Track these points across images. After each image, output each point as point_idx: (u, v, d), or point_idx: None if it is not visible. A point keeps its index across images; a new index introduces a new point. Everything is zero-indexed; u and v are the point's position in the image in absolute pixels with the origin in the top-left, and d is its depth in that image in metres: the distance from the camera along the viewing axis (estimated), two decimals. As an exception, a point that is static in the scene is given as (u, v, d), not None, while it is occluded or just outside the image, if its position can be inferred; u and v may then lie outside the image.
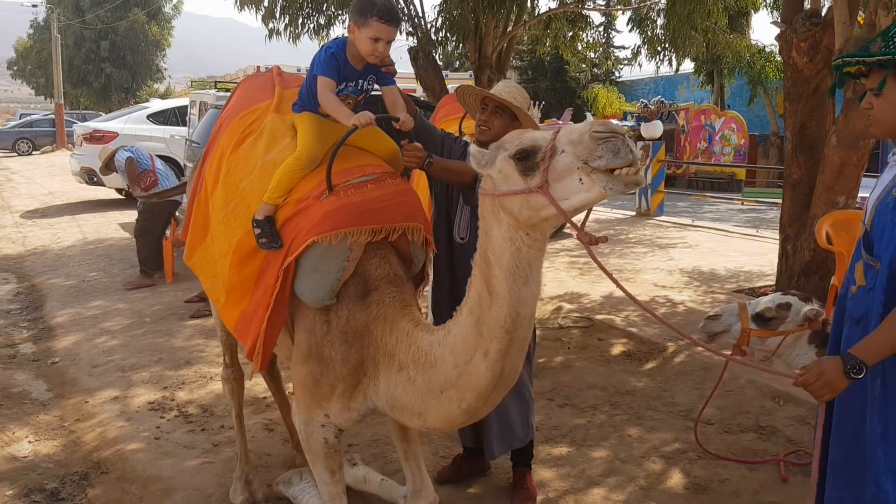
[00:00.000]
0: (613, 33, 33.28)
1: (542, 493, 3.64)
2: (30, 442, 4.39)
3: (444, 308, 3.39)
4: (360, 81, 2.98)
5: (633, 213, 13.08)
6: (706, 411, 4.32)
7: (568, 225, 2.17)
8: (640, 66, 16.34)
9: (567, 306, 6.77)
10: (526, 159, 2.14)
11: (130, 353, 5.78)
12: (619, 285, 2.31)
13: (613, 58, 32.51)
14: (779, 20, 7.23)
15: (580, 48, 12.85)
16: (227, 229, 3.08)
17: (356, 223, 2.74)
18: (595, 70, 33.08)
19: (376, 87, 3.10)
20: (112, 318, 6.77)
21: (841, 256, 5.31)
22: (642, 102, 24.88)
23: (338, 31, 11.43)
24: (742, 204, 14.88)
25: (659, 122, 14.01)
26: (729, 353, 3.46)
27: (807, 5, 6.91)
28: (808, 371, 2.27)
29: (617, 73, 33.48)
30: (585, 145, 2.03)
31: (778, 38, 6.93)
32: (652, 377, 5.16)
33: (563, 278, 7.90)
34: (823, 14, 6.68)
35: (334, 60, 2.90)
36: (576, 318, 6.43)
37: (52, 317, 6.97)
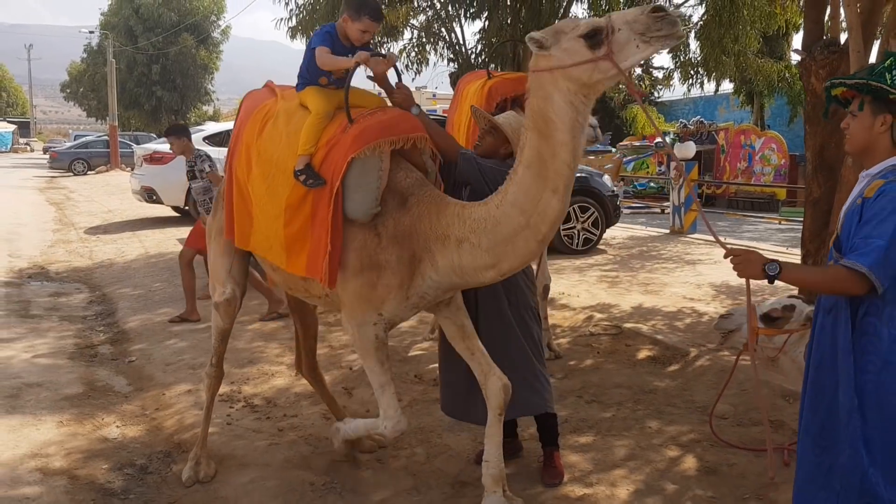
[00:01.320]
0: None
1: (569, 472, 4.11)
2: (117, 427, 4.98)
3: None
4: (349, 56, 3.59)
5: (668, 231, 13.46)
6: (722, 407, 4.79)
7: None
8: (673, 88, 16.78)
9: (598, 315, 7.24)
10: (594, 37, 2.80)
11: (199, 354, 6.37)
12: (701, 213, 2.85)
13: (652, 79, 32.84)
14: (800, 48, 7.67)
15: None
16: (273, 196, 3.60)
17: (379, 137, 3.41)
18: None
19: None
20: (179, 323, 7.40)
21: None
22: (682, 122, 25.17)
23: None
24: (780, 223, 15.14)
25: (692, 142, 14.39)
26: (740, 350, 3.92)
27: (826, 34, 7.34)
28: (740, 251, 2.80)
29: (656, 94, 33.69)
30: (643, 23, 2.73)
31: (799, 65, 7.37)
32: (674, 378, 5.62)
33: (595, 290, 8.37)
34: (842, 43, 7.10)
35: (329, 37, 3.60)
36: (605, 326, 6.90)
37: (124, 322, 7.65)
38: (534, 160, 3.03)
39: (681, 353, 6.05)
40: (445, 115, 7.59)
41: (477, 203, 3.31)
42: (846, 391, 2.74)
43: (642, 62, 3.25)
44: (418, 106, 3.76)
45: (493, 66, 12.00)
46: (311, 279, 3.56)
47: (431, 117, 4.06)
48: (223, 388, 5.52)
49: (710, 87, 14.41)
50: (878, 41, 6.75)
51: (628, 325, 6.90)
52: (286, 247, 3.58)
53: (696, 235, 12.94)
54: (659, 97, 33.46)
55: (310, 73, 3.68)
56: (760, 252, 2.86)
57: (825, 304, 2.95)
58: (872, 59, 6.84)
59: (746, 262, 2.75)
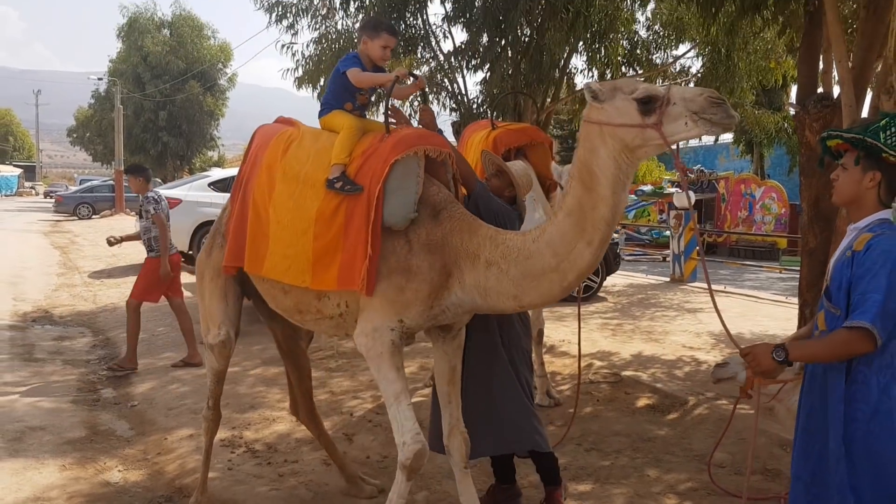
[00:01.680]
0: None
1: (568, 519, 4.15)
2: (119, 471, 5.02)
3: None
4: (400, 81, 3.79)
5: (668, 280, 13.54)
6: (720, 456, 4.82)
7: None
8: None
9: (598, 363, 7.29)
10: (647, 103, 2.89)
11: (201, 398, 6.35)
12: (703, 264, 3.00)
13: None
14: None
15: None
16: (300, 211, 3.62)
17: (419, 144, 3.54)
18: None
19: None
20: (183, 367, 7.45)
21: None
22: (682, 171, 25.37)
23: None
24: (781, 272, 15.23)
25: (691, 192, 14.56)
26: (736, 398, 3.97)
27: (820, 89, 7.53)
28: (748, 349, 2.87)
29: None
30: (699, 103, 2.84)
31: (793, 118, 7.53)
32: (672, 426, 5.65)
33: (596, 338, 8.42)
34: (835, 97, 7.28)
35: (357, 61, 3.78)
36: (605, 373, 6.95)
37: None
38: (574, 209, 3.10)
39: (679, 402, 6.09)
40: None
41: (513, 232, 3.45)
42: (836, 438, 2.80)
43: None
44: (441, 130, 3.95)
45: (495, 115, 12.25)
46: (326, 298, 3.59)
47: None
48: (224, 434, 5.58)
49: (708, 137, 14.59)
50: (870, 95, 6.92)
51: (628, 373, 6.95)
52: (314, 261, 3.56)
53: (696, 284, 13.02)
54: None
55: (336, 100, 3.84)
56: (768, 344, 2.91)
57: (815, 354, 3.04)
58: (865, 113, 7.01)
59: (756, 357, 2.82)
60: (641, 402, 6.21)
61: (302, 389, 4.66)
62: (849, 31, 8.02)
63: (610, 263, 11.01)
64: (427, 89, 12.51)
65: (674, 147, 3.06)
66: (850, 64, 6.90)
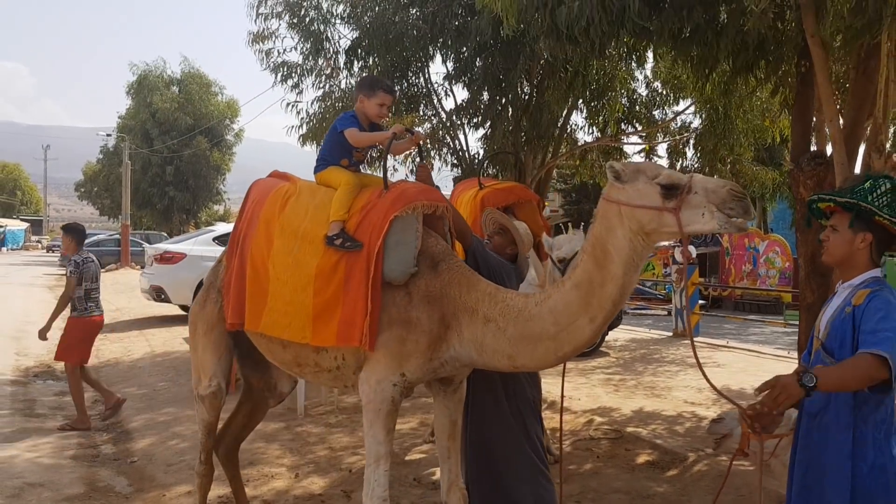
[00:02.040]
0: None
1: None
2: (117, 528, 5.02)
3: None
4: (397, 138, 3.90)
5: (671, 334, 13.54)
6: (720, 514, 4.79)
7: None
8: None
9: (598, 419, 7.28)
10: (669, 189, 2.89)
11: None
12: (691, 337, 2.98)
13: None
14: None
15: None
16: (300, 267, 3.66)
17: (418, 199, 3.61)
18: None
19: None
20: (182, 423, 7.45)
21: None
22: (689, 226, 25.49)
23: (388, 162, 12.46)
24: (785, 326, 15.22)
25: (692, 247, 14.65)
26: (733, 454, 3.98)
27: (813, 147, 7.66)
28: (768, 384, 2.74)
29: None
30: (720, 196, 2.81)
31: (788, 175, 7.66)
32: (672, 483, 5.63)
33: (598, 393, 8.42)
34: (828, 155, 7.40)
35: (354, 120, 3.88)
36: (606, 430, 6.93)
37: (128, 422, 7.71)
38: (584, 282, 3.10)
39: (679, 458, 6.08)
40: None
41: (515, 292, 3.47)
42: (842, 495, 2.81)
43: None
44: (438, 186, 4.03)
45: (494, 170, 12.41)
46: (324, 351, 3.61)
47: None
48: (223, 490, 5.56)
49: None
50: (862, 153, 7.04)
51: (629, 429, 6.94)
52: (314, 317, 3.58)
53: (698, 339, 13.01)
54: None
55: (332, 156, 3.92)
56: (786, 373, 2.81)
57: (810, 410, 3.08)
58: (857, 170, 7.13)
59: (785, 388, 2.68)
60: (641, 459, 6.19)
61: (238, 435, 4.82)
62: (841, 90, 8.18)
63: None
64: (428, 144, 12.71)
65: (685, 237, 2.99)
66: (841, 123, 7.05)
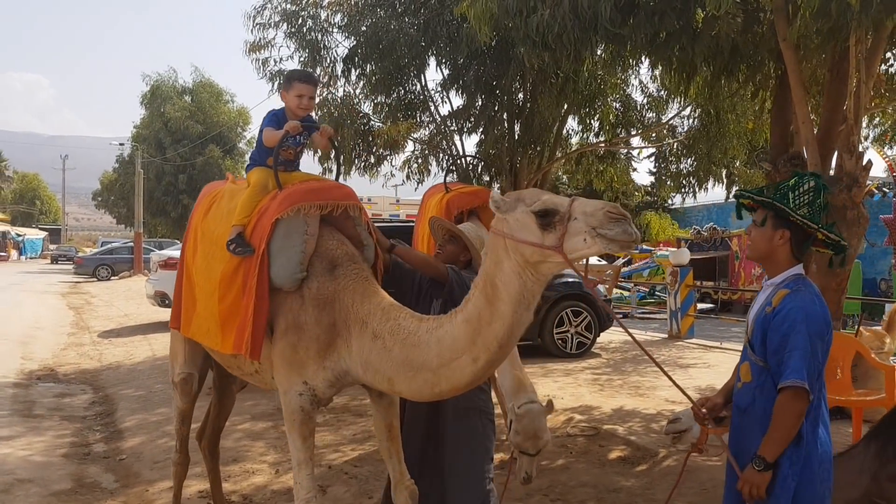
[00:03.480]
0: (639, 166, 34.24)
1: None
2: (98, 521, 5.22)
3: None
4: (297, 136, 3.81)
5: (665, 336, 13.63)
6: (681, 506, 4.94)
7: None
8: (661, 198, 17.18)
9: (578, 417, 7.41)
10: (545, 216, 2.73)
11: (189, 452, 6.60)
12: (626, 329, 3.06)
13: (666, 186, 33.39)
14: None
15: (612, 181, 13.82)
16: (210, 272, 3.63)
17: (306, 200, 3.46)
18: (648, 197, 33.84)
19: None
20: (173, 423, 7.63)
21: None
22: (695, 229, 25.55)
23: (386, 169, 12.70)
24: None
25: (686, 250, 14.75)
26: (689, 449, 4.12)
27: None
28: (743, 482, 2.91)
29: (670, 201, 34.15)
30: (598, 218, 2.66)
31: (766, 176, 7.78)
32: (640, 478, 5.76)
33: (582, 392, 8.55)
34: (805, 157, 7.51)
35: (275, 118, 3.80)
36: (583, 427, 7.06)
37: (121, 421, 7.92)
38: (472, 318, 2.91)
39: (650, 454, 6.20)
40: (410, 219, 7.96)
41: (412, 312, 3.24)
42: (772, 485, 2.90)
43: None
44: (395, 242, 3.84)
45: (491, 175, 12.58)
46: (240, 356, 3.54)
47: (394, 222, 4.40)
48: (204, 485, 5.74)
49: (718, 195, 14.90)
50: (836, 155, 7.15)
51: (606, 427, 7.07)
52: (221, 324, 3.55)
53: (693, 340, 13.10)
54: (672, 204, 34.03)
55: (259, 156, 3.84)
56: None
57: (740, 404, 3.21)
58: (833, 171, 7.24)
59: (750, 485, 2.87)
60: (614, 455, 6.32)
61: (216, 423, 4.97)
62: (820, 93, 8.28)
63: (603, 320, 11.15)
64: (427, 150, 12.90)
65: (580, 263, 2.86)
66: (814, 125, 7.16)
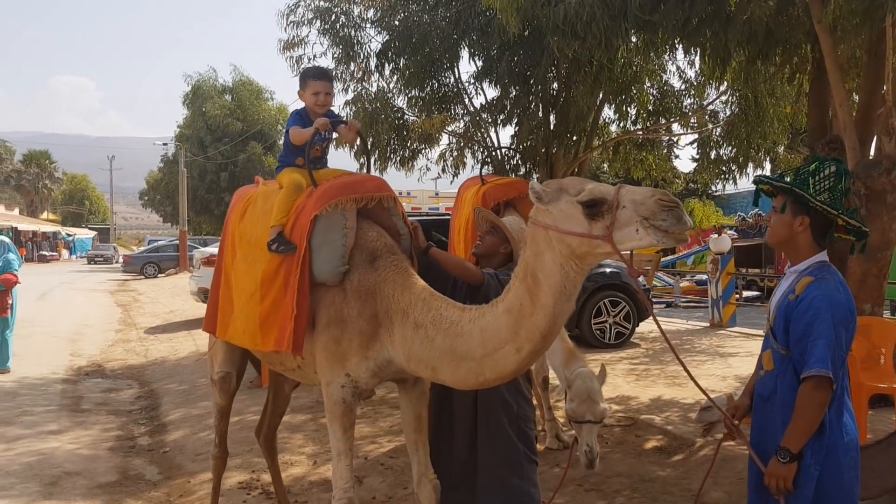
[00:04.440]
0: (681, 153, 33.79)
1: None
2: (142, 512, 5.37)
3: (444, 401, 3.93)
4: (323, 133, 3.85)
5: (707, 325, 13.47)
6: (717, 495, 4.93)
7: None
8: (703, 184, 16.87)
9: (615, 407, 7.37)
10: (593, 206, 2.68)
11: (228, 445, 6.73)
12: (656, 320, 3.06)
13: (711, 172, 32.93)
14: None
15: (651, 169, 13.66)
16: (251, 275, 3.67)
17: (342, 194, 3.51)
18: (691, 185, 33.39)
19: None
20: (213, 418, 7.80)
21: (853, 360, 5.81)
22: (740, 216, 25.16)
23: (421, 162, 12.76)
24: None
25: (727, 237, 14.50)
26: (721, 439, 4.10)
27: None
28: (769, 477, 2.87)
29: (713, 188, 33.68)
30: (649, 207, 2.59)
31: (804, 160, 7.65)
32: (675, 467, 5.73)
33: (619, 383, 8.50)
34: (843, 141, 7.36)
35: (298, 117, 3.86)
36: (620, 417, 7.04)
37: (165, 415, 8.12)
38: (513, 309, 2.91)
39: (687, 444, 6.16)
40: (448, 212, 8.03)
41: (453, 302, 3.25)
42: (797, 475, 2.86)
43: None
44: (432, 244, 3.83)
45: (528, 167, 12.54)
46: (284, 353, 3.57)
47: (432, 215, 4.41)
48: (243, 476, 5.88)
49: (746, 183, 14.65)
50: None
51: (643, 417, 7.03)
52: (261, 324, 3.60)
53: (735, 328, 12.93)
54: (716, 191, 33.54)
55: (287, 157, 3.90)
56: None
57: (762, 393, 3.17)
58: (872, 153, 7.09)
59: (776, 477, 2.84)
60: (650, 444, 6.29)
61: (272, 420, 5.03)
62: (859, 75, 8.10)
63: (641, 310, 11.06)
64: (463, 142, 12.90)
65: (626, 253, 2.77)
66: (853, 107, 7.02)
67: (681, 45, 8.21)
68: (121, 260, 43.36)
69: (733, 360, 9.96)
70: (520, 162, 12.44)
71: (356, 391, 3.43)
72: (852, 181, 3.55)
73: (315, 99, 3.84)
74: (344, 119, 3.97)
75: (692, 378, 3.22)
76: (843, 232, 3.04)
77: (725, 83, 10.38)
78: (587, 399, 4.27)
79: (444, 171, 12.86)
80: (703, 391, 3.25)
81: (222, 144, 41.28)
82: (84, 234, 67.97)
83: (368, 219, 3.63)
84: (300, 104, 3.97)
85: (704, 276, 21.12)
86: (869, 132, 7.08)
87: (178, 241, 36.61)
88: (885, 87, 6.57)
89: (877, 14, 5.90)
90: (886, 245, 6.73)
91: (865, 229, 3.04)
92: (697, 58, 9.13)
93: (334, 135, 4.02)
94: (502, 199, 6.03)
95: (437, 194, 30.34)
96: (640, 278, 11.82)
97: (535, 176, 12.91)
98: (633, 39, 8.24)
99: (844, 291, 2.94)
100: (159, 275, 33.77)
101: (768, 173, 14.27)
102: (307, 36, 11.84)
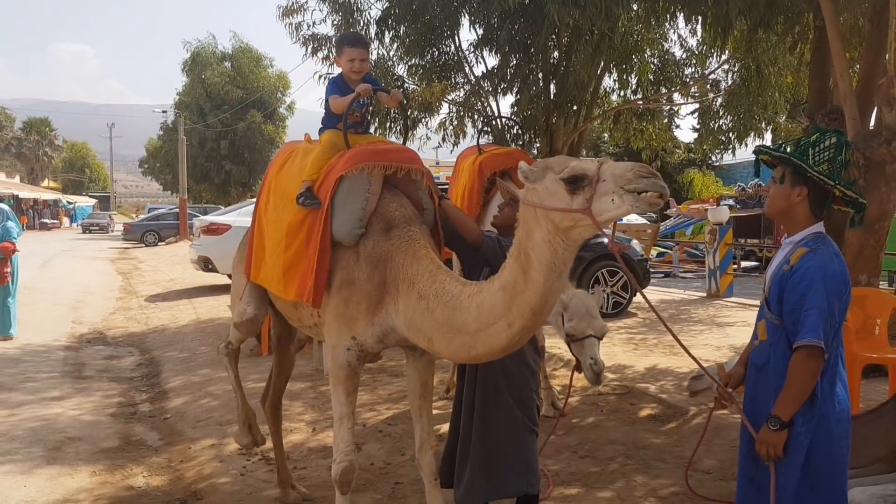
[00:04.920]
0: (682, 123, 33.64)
1: (547, 521, 4.36)
2: (143, 477, 5.45)
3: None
4: (363, 99, 3.91)
5: (704, 295, 13.52)
6: (709, 462, 5.00)
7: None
8: (703, 154, 16.82)
9: (610, 376, 7.45)
10: (574, 182, 2.74)
11: (228, 412, 6.81)
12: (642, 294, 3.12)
13: (709, 142, 32.80)
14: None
15: (651, 139, 13.61)
16: (278, 224, 3.82)
17: (371, 160, 3.61)
18: (691, 155, 33.29)
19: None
20: (215, 383, 7.89)
21: (847, 330, 5.86)
22: (740, 186, 25.12)
23: (421, 132, 12.73)
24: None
25: (725, 208, 14.51)
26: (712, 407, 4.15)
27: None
28: (759, 443, 2.94)
29: (713, 158, 33.57)
30: (627, 177, 2.65)
31: (803, 130, 7.63)
32: (669, 435, 5.81)
33: (616, 352, 8.57)
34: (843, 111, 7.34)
35: (336, 85, 3.94)
36: (615, 385, 7.11)
37: (166, 382, 8.21)
38: (508, 286, 2.99)
39: (681, 412, 6.23)
40: (448, 181, 8.10)
41: (457, 276, 3.34)
42: (788, 443, 2.92)
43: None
44: (444, 196, 3.91)
45: (528, 135, 12.51)
46: (302, 305, 3.72)
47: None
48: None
49: (746, 153, 14.58)
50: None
51: (639, 385, 7.10)
52: (284, 272, 3.74)
53: (732, 299, 12.98)
54: (717, 161, 33.43)
55: (328, 121, 3.99)
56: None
57: (756, 362, 3.22)
58: (873, 124, 7.07)
59: (767, 444, 2.90)
60: (644, 413, 6.37)
61: (277, 385, 5.05)
62: (861, 45, 8.05)
63: (639, 279, 11.12)
64: (463, 111, 12.86)
65: (607, 229, 2.86)
66: (853, 80, 6.99)
67: (681, 14, 8.15)
68: (117, 228, 43.39)
69: (730, 329, 10.02)
70: (520, 131, 12.39)
71: (361, 354, 3.53)
72: (852, 153, 3.56)
73: (350, 66, 3.91)
74: (386, 88, 4.07)
75: (682, 346, 3.24)
76: (840, 203, 3.06)
77: (727, 52, 10.28)
78: (586, 314, 4.31)
79: (444, 140, 12.83)
80: (695, 359, 3.27)
81: (222, 112, 41.13)
82: (85, 201, 68.00)
83: (396, 189, 3.71)
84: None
85: (695, 250, 21.32)
86: (869, 102, 7.06)
87: (178, 210, 36.60)
88: (886, 56, 6.54)
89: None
90: (884, 216, 6.75)
91: (863, 201, 3.06)
92: (699, 26, 9.07)
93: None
94: (499, 168, 6.05)
95: (437, 163, 30.31)
96: (638, 248, 11.82)
97: (535, 145, 12.90)
98: (634, 7, 8.20)
99: (839, 262, 2.96)
100: (159, 243, 33.82)
101: (769, 143, 14.25)
102: (307, 2, 11.73)
